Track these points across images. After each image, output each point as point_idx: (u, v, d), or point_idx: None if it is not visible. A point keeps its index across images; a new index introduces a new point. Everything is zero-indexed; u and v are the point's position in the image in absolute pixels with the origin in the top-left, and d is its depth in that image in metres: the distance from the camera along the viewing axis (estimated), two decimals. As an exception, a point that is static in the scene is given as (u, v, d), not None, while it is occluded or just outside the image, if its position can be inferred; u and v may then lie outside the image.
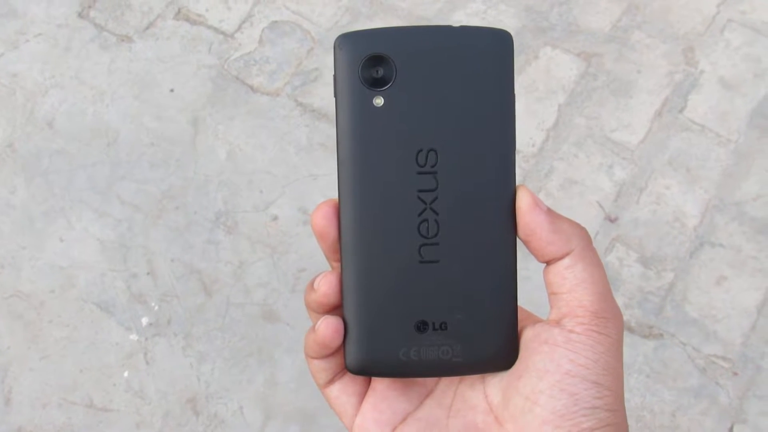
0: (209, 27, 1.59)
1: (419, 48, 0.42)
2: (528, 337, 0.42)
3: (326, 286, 0.43)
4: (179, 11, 1.61)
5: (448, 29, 0.42)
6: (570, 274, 0.41)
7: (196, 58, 1.57)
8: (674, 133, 1.50)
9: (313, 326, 0.43)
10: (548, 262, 0.42)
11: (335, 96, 0.43)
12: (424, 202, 0.42)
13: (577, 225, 0.43)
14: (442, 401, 0.45)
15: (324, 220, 0.43)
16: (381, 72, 0.42)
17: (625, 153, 1.48)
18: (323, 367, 0.44)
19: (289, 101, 1.53)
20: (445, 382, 0.45)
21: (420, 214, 0.42)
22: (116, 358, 1.35)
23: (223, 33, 1.59)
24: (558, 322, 0.41)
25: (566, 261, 0.42)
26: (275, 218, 1.44)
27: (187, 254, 1.41)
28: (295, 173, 1.47)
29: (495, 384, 0.43)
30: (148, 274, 1.40)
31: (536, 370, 0.41)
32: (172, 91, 1.54)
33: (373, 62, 0.42)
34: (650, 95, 1.53)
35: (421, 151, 0.42)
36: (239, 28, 1.59)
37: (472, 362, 0.43)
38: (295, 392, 1.33)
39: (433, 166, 0.42)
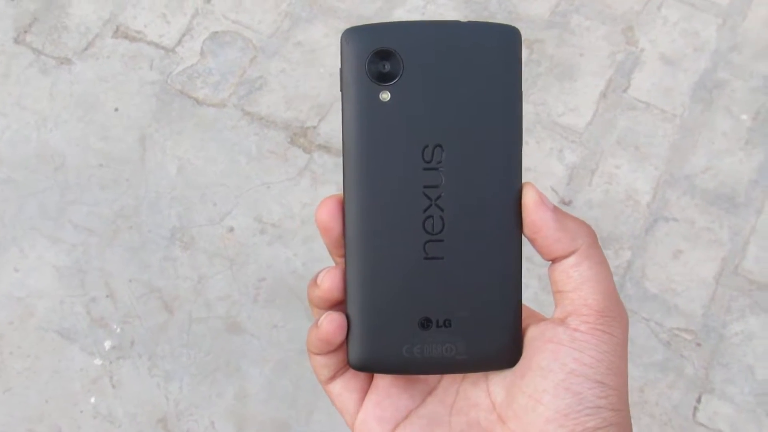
0: (149, 43, 1.58)
1: (426, 43, 0.42)
2: (532, 335, 0.42)
3: (330, 281, 0.43)
4: (117, 29, 1.59)
5: (456, 24, 0.42)
6: (575, 273, 0.41)
7: (138, 75, 1.55)
8: (620, 113, 1.51)
9: (316, 322, 0.43)
10: (554, 260, 0.42)
11: (341, 90, 0.42)
12: (430, 198, 0.42)
13: (583, 223, 0.42)
14: (444, 399, 0.45)
15: (328, 215, 0.43)
16: (388, 66, 0.42)
17: (573, 136, 1.49)
18: (325, 363, 0.44)
19: (236, 111, 1.52)
20: (448, 379, 0.45)
21: (425, 210, 0.42)
22: (81, 385, 1.33)
23: (163, 48, 1.58)
24: (563, 321, 0.41)
25: (572, 259, 0.41)
26: (231, 230, 1.43)
27: (145, 273, 1.40)
28: (247, 183, 1.46)
29: (498, 382, 0.43)
30: (107, 296, 1.38)
31: (540, 369, 0.41)
32: (116, 110, 1.52)
33: (380, 57, 0.42)
34: (594, 77, 1.55)
35: (427, 146, 0.42)
36: (179, 41, 1.58)
37: (476, 360, 0.43)
38: (265, 403, 1.32)
39: (439, 162, 0.42)
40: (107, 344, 1.36)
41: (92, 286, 1.39)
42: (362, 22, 1.58)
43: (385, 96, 0.42)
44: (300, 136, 1.49)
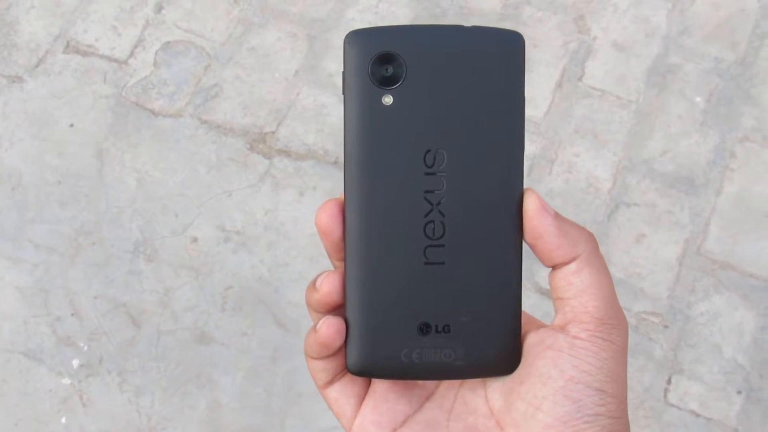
0: (101, 56, 1.56)
1: (430, 47, 0.42)
2: (531, 341, 0.42)
3: (329, 285, 0.42)
4: (68, 44, 1.57)
5: (460, 29, 0.42)
6: (576, 280, 0.41)
7: (91, 89, 1.53)
8: (576, 102, 1.52)
9: (314, 326, 0.43)
10: (554, 267, 0.42)
11: (344, 93, 0.42)
12: (431, 203, 0.42)
13: (584, 230, 0.42)
14: (442, 404, 0.45)
15: (328, 218, 0.42)
16: (391, 70, 0.42)
17: (532, 127, 1.50)
18: (323, 368, 0.44)
19: (193, 120, 1.51)
20: (446, 384, 0.45)
21: (426, 215, 0.42)
22: (51, 405, 1.32)
23: (116, 60, 1.56)
24: (562, 328, 0.41)
25: (573, 266, 0.41)
26: (195, 240, 1.42)
27: (110, 289, 1.38)
28: (208, 192, 1.45)
29: (497, 388, 0.43)
30: (72, 315, 1.37)
31: (539, 376, 0.41)
32: (71, 126, 1.50)
33: (383, 60, 0.42)
34: (548, 67, 1.56)
35: (429, 151, 0.42)
36: (132, 53, 1.57)
37: (475, 366, 0.43)
38: (238, 411, 1.31)
39: (440, 167, 0.42)
40: (75, 363, 1.34)
41: (56, 305, 1.37)
42: (315, 24, 1.57)
43: (388, 100, 0.42)
44: (259, 142, 1.48)
